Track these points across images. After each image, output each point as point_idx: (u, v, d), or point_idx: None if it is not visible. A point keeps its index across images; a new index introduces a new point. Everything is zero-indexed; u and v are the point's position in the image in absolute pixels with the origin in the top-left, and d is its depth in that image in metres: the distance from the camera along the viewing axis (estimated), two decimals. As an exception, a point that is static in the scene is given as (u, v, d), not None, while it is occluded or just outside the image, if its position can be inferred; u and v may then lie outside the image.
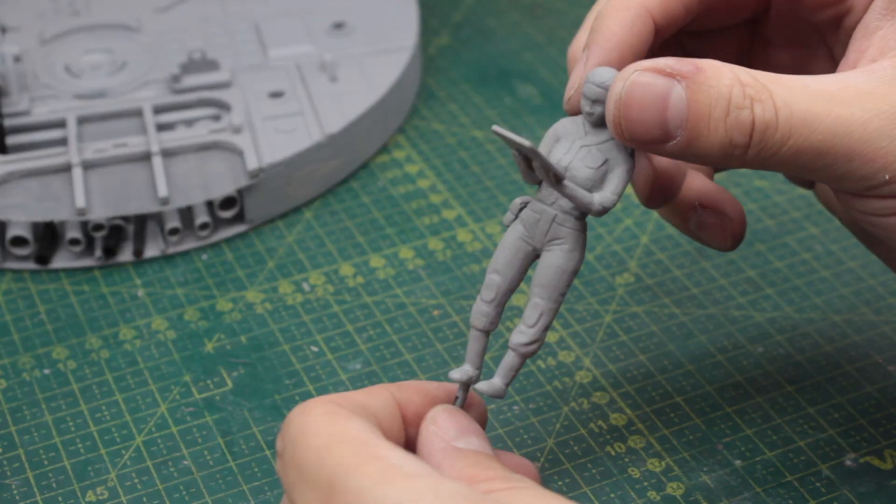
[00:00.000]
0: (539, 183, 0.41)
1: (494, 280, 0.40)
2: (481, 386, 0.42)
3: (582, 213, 0.40)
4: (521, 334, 0.41)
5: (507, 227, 0.41)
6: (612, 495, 0.47)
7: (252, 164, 0.58)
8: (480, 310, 0.41)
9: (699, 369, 0.52)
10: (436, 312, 0.54)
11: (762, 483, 0.47)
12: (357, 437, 0.35)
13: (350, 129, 0.61)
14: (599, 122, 0.40)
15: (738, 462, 0.48)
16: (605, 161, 0.39)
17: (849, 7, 0.43)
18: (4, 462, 0.48)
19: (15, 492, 0.47)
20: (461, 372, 0.41)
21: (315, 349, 0.53)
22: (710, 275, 0.56)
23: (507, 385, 0.42)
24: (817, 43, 0.45)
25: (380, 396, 0.39)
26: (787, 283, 0.56)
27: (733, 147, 0.38)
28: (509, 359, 0.41)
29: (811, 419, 0.50)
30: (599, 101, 0.39)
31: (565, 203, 0.40)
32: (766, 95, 0.37)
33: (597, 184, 0.39)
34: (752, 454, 0.48)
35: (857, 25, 0.41)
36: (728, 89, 0.37)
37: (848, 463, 0.48)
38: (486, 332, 0.42)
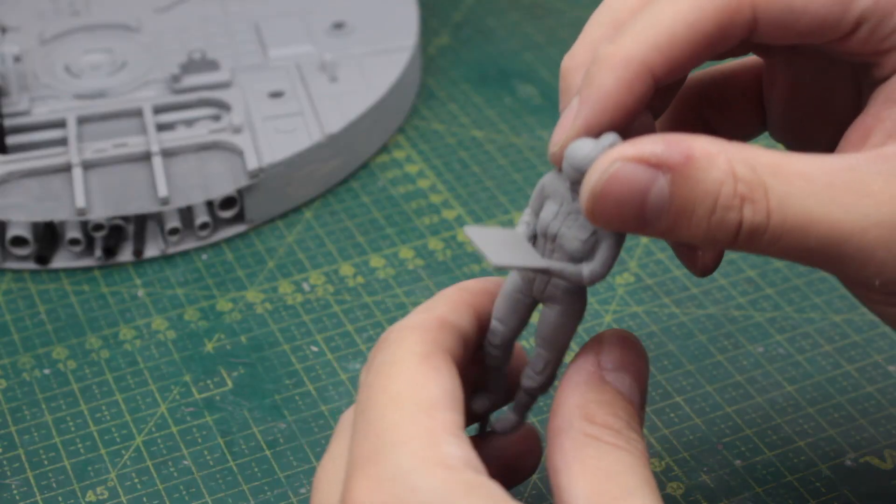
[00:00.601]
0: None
1: (498, 328, 0.40)
2: (496, 425, 0.41)
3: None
4: (531, 379, 0.41)
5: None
6: (612, 495, 0.47)
7: (252, 164, 0.58)
8: (490, 352, 0.41)
9: (699, 369, 0.52)
10: (436, 312, 0.54)
11: (762, 483, 0.47)
12: (430, 401, 0.34)
13: (350, 129, 0.61)
14: None
15: (738, 462, 0.48)
16: (594, 232, 0.37)
17: (880, 61, 0.39)
18: (4, 462, 0.48)
19: (15, 492, 0.47)
20: (480, 403, 0.41)
21: (315, 349, 0.53)
22: (711, 275, 0.56)
23: (523, 417, 0.42)
24: (844, 68, 0.41)
25: (461, 311, 0.38)
26: (787, 283, 0.56)
27: (715, 242, 0.35)
28: (521, 397, 0.41)
29: (811, 419, 0.50)
30: (579, 182, 0.36)
31: None
32: (761, 194, 0.34)
33: (587, 254, 0.38)
34: (752, 454, 0.48)
35: (882, 85, 0.38)
36: (717, 186, 0.34)
37: (848, 463, 0.48)
38: (500, 368, 0.41)
